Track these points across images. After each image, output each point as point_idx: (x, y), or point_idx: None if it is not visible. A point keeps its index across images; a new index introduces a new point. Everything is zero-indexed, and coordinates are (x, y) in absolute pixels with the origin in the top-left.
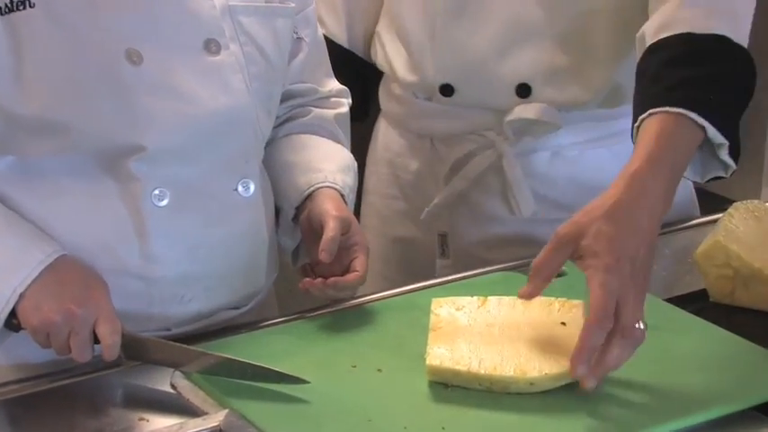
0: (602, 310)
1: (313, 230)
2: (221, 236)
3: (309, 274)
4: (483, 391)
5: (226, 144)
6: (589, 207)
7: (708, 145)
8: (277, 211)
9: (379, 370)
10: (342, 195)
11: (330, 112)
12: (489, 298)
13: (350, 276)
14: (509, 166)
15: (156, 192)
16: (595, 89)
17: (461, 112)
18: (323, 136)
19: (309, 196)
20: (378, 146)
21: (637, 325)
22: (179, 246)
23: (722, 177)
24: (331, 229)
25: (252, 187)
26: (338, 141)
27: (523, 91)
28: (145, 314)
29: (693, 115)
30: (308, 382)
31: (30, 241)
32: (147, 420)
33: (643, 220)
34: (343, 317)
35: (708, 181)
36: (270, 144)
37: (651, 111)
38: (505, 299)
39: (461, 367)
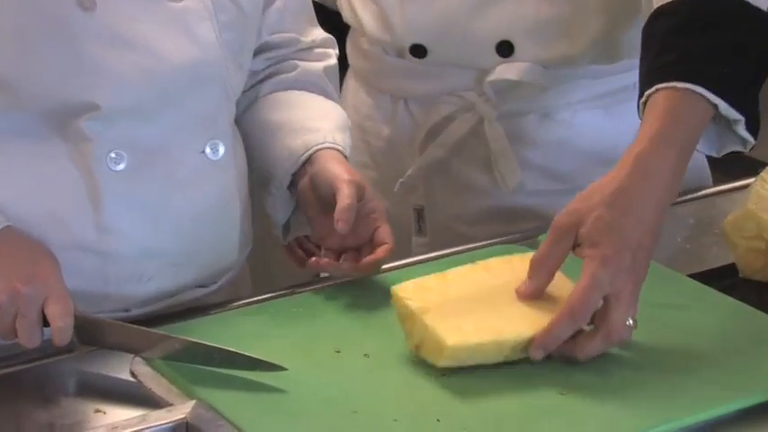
0: (581, 305)
1: (319, 199)
2: (187, 205)
3: (297, 250)
4: (482, 379)
5: (192, 102)
6: (587, 192)
7: (723, 119)
8: (265, 180)
9: (365, 355)
10: (345, 157)
11: (318, 65)
12: (449, 271)
13: (380, 251)
14: (491, 130)
15: (112, 155)
16: (586, 43)
17: (437, 71)
18: (312, 92)
19: (308, 160)
20: (346, 107)
21: (627, 322)
22: (138, 216)
23: (740, 152)
24: (347, 196)
25: (221, 149)
26: (329, 98)
27: (505, 49)
28: (100, 293)
29: (704, 91)
30: (286, 369)
31: None
32: (104, 413)
33: (647, 206)
34: (325, 297)
35: (725, 155)
36: (252, 105)
37: (658, 86)
38: (464, 267)
39: (485, 338)
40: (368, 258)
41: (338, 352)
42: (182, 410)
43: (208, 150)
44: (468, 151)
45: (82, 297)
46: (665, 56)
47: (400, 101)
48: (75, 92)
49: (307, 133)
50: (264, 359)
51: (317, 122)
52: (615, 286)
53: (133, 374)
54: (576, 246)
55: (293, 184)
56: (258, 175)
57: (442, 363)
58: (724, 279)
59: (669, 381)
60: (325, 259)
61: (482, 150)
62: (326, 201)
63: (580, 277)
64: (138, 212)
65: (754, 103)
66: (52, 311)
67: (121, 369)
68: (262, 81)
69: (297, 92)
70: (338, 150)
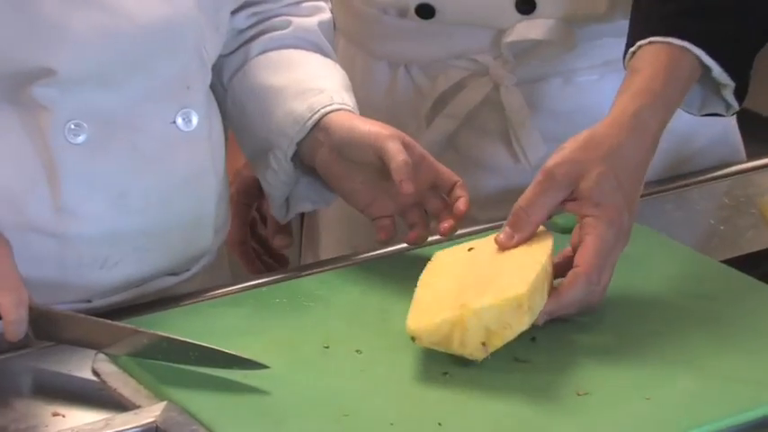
0: (597, 266)
1: (354, 167)
2: (155, 181)
3: (249, 251)
4: (489, 377)
5: (162, 66)
6: (583, 142)
7: (712, 80)
8: (262, 153)
9: (357, 351)
10: None
11: (312, 20)
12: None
13: (460, 204)
14: (509, 97)
15: (71, 126)
16: None
17: (446, 32)
18: (308, 50)
19: (317, 126)
20: None
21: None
22: (100, 194)
23: (720, 115)
24: (398, 152)
25: (194, 119)
26: (327, 56)
27: (525, 5)
28: (58, 281)
29: (700, 52)
30: (268, 368)
31: None
32: (63, 416)
33: (640, 167)
34: (312, 285)
35: (704, 115)
36: (242, 68)
37: (652, 39)
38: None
39: (448, 313)
40: (460, 210)
41: (327, 348)
42: (151, 413)
43: (179, 121)
44: (481, 123)
45: (37, 286)
46: (663, 6)
47: (400, 67)
48: (28, 55)
49: (311, 95)
50: (244, 356)
51: (319, 83)
52: (618, 243)
53: (96, 373)
54: (571, 199)
55: (296, 155)
56: (253, 148)
57: (421, 343)
58: (761, 266)
59: (700, 379)
60: (416, 232)
61: (498, 121)
62: (367, 165)
63: (586, 236)
64: (101, 190)
65: (747, 69)
66: (3, 302)
67: (82, 367)
68: (250, 40)
69: (292, 50)
70: (349, 111)
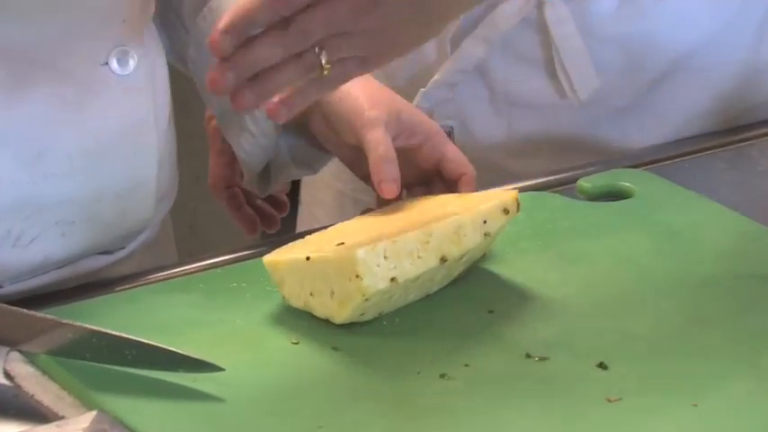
0: None
1: (337, 136)
2: (82, 138)
3: (246, 208)
4: (498, 379)
5: None
6: None
7: None
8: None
9: (333, 348)
10: None
11: None
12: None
13: (466, 179)
14: (555, 16)
15: None
16: None
17: None
18: None
19: None
20: None
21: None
22: (12, 154)
23: None
24: (379, 143)
25: (132, 61)
26: None
27: None
28: None
29: None
30: (223, 370)
31: None
32: None
33: None
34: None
35: None
36: (207, 2)
37: None
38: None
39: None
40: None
41: (296, 344)
42: (77, 426)
43: (113, 62)
44: (519, 47)
45: None
46: None
47: None
48: None
49: None
50: (193, 355)
51: None
52: None
53: (8, 375)
54: None
55: None
56: (223, 106)
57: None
58: None
59: (758, 380)
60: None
61: (539, 46)
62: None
63: None
64: (12, 149)
65: None
66: None
67: None
68: None
69: None
70: None
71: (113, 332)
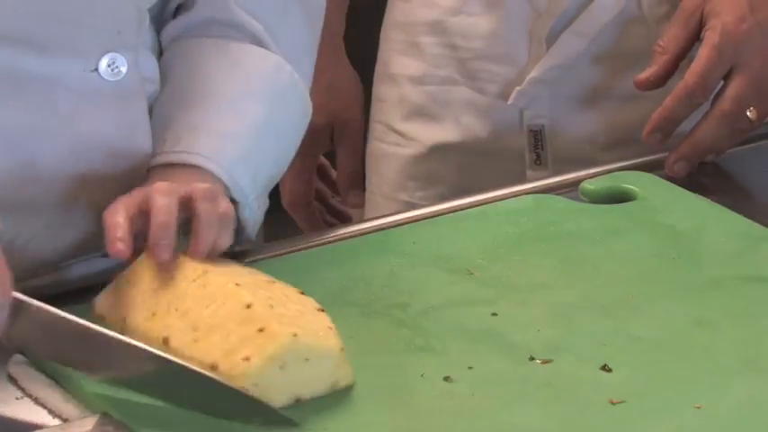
0: (698, 77)
1: None
2: (72, 145)
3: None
4: (502, 381)
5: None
6: None
7: None
8: None
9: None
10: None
11: None
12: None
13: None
14: (654, 8)
15: None
16: None
17: None
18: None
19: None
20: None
21: (748, 113)
22: (1, 160)
23: None
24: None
25: (124, 68)
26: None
27: None
28: None
29: None
30: (297, 425)
31: None
32: None
33: None
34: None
35: None
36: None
37: None
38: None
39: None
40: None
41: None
42: (81, 428)
43: (103, 67)
44: (620, 40)
45: None
46: None
47: None
48: None
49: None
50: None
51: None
52: (739, 59)
53: (12, 379)
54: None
55: None
56: None
57: None
58: None
59: (762, 383)
60: None
61: (643, 38)
62: None
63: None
64: (2, 155)
65: None
66: None
67: None
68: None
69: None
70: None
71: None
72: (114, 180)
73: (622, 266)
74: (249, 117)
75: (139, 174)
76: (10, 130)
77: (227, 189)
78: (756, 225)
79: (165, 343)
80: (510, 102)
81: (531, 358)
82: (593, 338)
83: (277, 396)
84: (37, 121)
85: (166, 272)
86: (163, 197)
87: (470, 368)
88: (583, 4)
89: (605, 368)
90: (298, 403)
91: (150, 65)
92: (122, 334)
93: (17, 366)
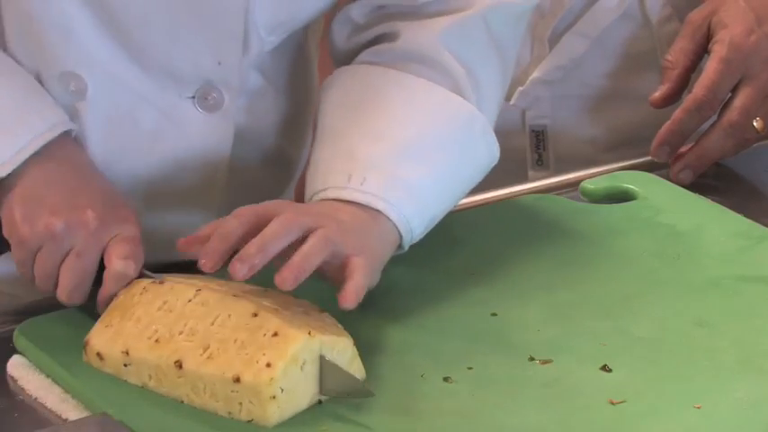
0: (707, 90)
1: None
2: (146, 168)
3: None
4: (502, 381)
5: (184, 30)
6: None
7: None
8: None
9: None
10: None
11: (435, 27)
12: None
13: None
14: (657, 10)
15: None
16: None
17: None
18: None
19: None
20: None
21: (754, 123)
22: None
23: None
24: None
25: (224, 101)
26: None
27: None
28: None
29: None
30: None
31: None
32: None
33: None
34: None
35: None
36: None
37: None
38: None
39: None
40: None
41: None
42: (81, 428)
43: (197, 98)
44: (622, 41)
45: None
46: None
47: None
48: None
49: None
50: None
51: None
52: (747, 71)
53: (12, 379)
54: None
55: None
56: None
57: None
58: None
59: (761, 383)
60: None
61: (645, 39)
62: None
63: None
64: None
65: None
66: (116, 251)
67: None
68: (363, 48)
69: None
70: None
71: None
72: (185, 212)
73: (622, 266)
74: (438, 168)
75: (210, 203)
76: (92, 141)
77: (398, 235)
78: (756, 225)
79: (179, 366)
80: (512, 102)
81: (531, 358)
82: (593, 338)
83: (303, 399)
84: (120, 137)
85: (158, 298)
86: (289, 228)
87: (470, 368)
88: (586, 5)
89: (605, 368)
90: (320, 404)
91: (262, 105)
92: (127, 366)
93: (17, 366)
